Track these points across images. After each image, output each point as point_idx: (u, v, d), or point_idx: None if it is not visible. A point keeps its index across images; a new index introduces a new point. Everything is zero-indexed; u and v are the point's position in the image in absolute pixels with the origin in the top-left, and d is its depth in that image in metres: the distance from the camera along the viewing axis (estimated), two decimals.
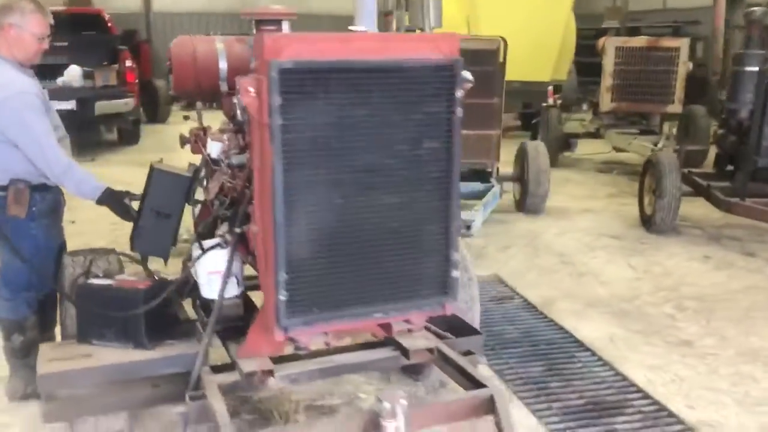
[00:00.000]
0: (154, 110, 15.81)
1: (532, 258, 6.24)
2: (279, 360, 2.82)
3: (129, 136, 12.64)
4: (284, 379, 2.78)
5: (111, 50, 12.10)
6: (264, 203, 2.31)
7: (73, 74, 11.19)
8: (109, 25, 13.45)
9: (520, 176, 7.52)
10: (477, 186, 6.70)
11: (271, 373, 2.67)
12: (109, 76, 11.17)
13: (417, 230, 2.48)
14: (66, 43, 12.67)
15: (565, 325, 4.79)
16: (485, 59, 6.50)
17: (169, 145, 12.35)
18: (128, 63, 11.70)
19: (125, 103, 11.56)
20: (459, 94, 2.42)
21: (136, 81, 11.94)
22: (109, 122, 12.14)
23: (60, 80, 11.35)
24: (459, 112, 2.42)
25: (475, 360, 2.95)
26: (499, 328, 4.74)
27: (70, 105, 11.21)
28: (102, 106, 11.42)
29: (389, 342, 2.87)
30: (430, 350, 2.86)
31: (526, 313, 5.04)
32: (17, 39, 3.22)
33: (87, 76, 11.29)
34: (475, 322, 3.53)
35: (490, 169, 6.88)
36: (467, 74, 2.49)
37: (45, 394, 2.67)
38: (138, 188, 3.30)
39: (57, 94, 11.14)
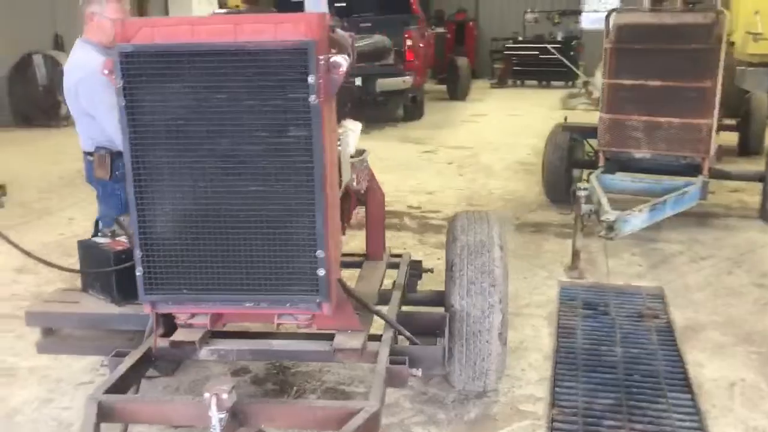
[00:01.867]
0: (454, 88, 16.38)
1: (723, 275, 5.23)
2: (218, 335, 2.91)
3: (411, 112, 13.31)
4: (213, 352, 2.86)
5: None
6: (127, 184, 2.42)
7: None
8: (413, 5, 14.21)
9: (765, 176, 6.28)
10: (676, 183, 5.78)
11: (194, 344, 2.78)
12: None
13: (282, 222, 2.36)
14: (369, 24, 13.80)
15: (691, 359, 3.98)
16: (695, 35, 5.54)
17: (450, 122, 12.85)
18: (409, 43, 12.26)
19: (404, 81, 12.18)
20: (311, 79, 2.22)
21: (416, 60, 12.47)
22: (390, 98, 12.94)
23: None
24: (313, 99, 2.23)
25: (403, 370, 2.69)
26: (605, 348, 4.14)
27: (357, 81, 12.19)
28: (382, 83, 12.20)
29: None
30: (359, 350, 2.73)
31: (654, 337, 4.29)
32: (99, 25, 3.75)
33: None
34: (493, 332, 3.17)
35: (700, 164, 5.87)
36: (338, 58, 2.27)
37: (42, 329, 3.14)
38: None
39: None
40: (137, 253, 2.41)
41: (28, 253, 2.96)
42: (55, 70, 12.76)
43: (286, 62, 2.23)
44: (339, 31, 2.92)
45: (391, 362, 2.72)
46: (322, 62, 2.23)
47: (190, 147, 2.32)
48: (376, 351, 2.79)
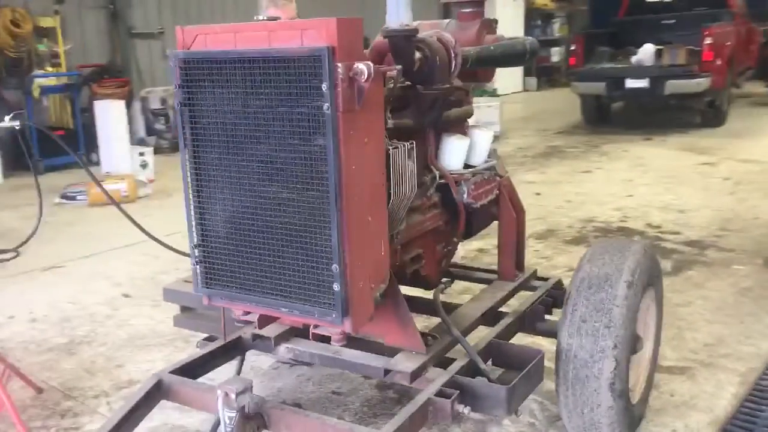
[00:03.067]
0: None
1: None
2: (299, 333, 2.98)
3: (709, 119, 12.00)
4: (290, 351, 2.94)
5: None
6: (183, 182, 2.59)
7: (647, 52, 11.24)
8: (729, 1, 12.81)
9: None
10: None
11: (270, 339, 2.90)
12: (678, 55, 10.79)
13: (305, 232, 2.33)
14: (673, 21, 12.78)
15: None
16: None
17: (755, 132, 11.27)
18: (708, 41, 10.97)
19: (697, 83, 11.01)
20: (325, 87, 2.14)
21: (717, 60, 11.11)
22: (682, 102, 11.80)
23: (634, 59, 11.58)
24: (326, 107, 2.15)
25: (445, 405, 2.47)
26: None
27: (642, 83, 11.38)
28: (672, 86, 11.20)
29: None
30: (413, 374, 2.60)
31: None
32: None
33: (658, 54, 11.18)
34: (602, 380, 2.77)
35: None
36: (361, 65, 2.15)
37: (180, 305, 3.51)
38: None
39: (631, 72, 11.47)
40: (191, 249, 2.56)
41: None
42: None
43: (303, 69, 2.17)
44: (443, 33, 2.76)
45: (439, 394, 2.51)
46: (341, 70, 2.13)
47: (235, 150, 2.39)
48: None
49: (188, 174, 2.52)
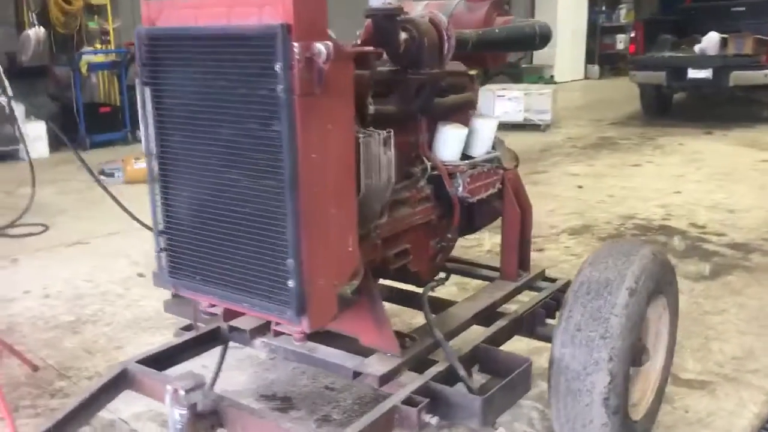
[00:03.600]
0: None
1: None
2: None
3: None
4: (265, 345, 2.82)
5: None
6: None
7: (711, 41, 10.68)
8: None
9: None
10: None
11: (245, 332, 2.79)
12: (744, 45, 10.19)
13: (261, 223, 2.18)
14: (743, 8, 12.17)
15: None
16: None
17: None
18: None
19: (764, 75, 10.41)
20: (278, 68, 1.98)
21: None
22: (748, 94, 11.19)
23: (697, 47, 11.03)
24: (280, 90, 1.99)
25: (411, 414, 2.30)
26: None
27: (705, 73, 10.88)
28: (737, 77, 10.64)
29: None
30: (382, 378, 2.45)
31: None
32: None
33: (723, 43, 10.60)
34: (594, 395, 2.56)
35: None
36: (319, 45, 1.98)
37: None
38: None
39: (693, 61, 10.96)
40: (159, 237, 2.45)
41: None
42: None
43: (257, 49, 2.01)
44: (436, 13, 2.57)
45: (408, 402, 2.34)
46: (297, 50, 1.96)
47: (197, 133, 2.26)
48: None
49: (152, 157, 2.40)
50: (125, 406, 3.15)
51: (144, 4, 2.33)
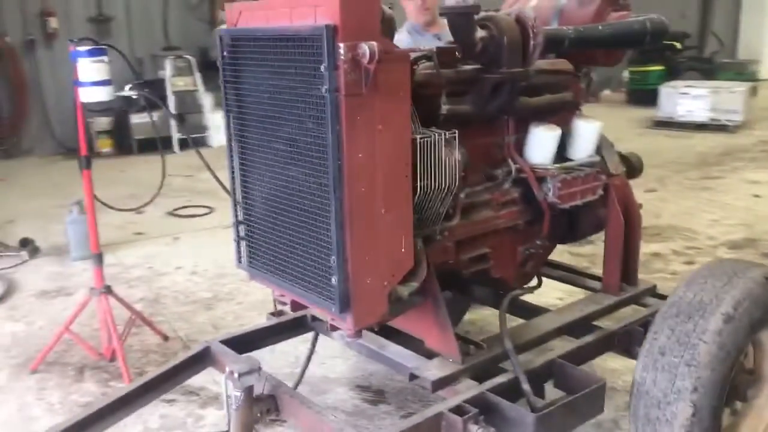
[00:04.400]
0: None
1: None
2: None
3: None
4: (342, 337, 2.89)
5: None
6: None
7: None
8: None
9: None
10: None
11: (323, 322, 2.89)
12: None
13: (313, 220, 2.24)
14: None
15: None
16: None
17: None
18: None
19: None
20: (323, 69, 2.01)
21: None
22: None
23: None
24: (324, 90, 2.02)
25: (456, 422, 2.25)
26: None
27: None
28: None
29: None
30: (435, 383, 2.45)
31: None
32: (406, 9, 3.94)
33: None
34: (674, 426, 2.36)
35: None
36: (364, 46, 1.99)
37: None
38: None
39: None
40: (238, 226, 2.59)
41: None
42: None
43: (307, 49, 2.06)
44: (523, 10, 2.49)
45: (456, 410, 2.29)
46: (342, 50, 1.99)
47: (268, 130, 2.36)
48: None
49: (233, 151, 2.53)
50: None
51: (227, 7, 2.46)
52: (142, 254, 5.67)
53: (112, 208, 4.33)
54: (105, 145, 10.01)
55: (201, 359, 2.77)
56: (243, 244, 2.62)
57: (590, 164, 2.91)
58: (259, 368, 2.38)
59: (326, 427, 2.28)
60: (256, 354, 2.71)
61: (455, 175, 2.38)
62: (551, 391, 2.60)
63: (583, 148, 2.91)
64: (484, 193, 2.70)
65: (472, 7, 2.39)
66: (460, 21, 2.41)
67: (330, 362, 3.80)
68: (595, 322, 2.98)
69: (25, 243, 5.57)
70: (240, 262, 2.63)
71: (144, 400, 2.62)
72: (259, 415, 2.43)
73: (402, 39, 3.83)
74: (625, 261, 3.07)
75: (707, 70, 13.35)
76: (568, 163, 2.82)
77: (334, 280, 2.17)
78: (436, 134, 2.31)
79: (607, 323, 2.97)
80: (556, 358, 2.62)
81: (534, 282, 3.07)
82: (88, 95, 3.37)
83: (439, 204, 2.41)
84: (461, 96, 2.53)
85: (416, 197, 2.30)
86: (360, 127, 2.09)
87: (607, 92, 14.79)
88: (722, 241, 5.64)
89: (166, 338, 4.09)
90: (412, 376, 2.51)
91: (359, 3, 2.03)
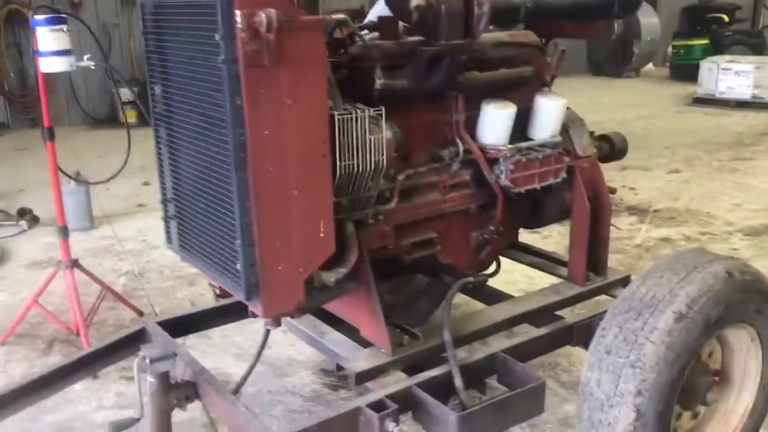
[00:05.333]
0: None
1: None
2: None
3: None
4: (291, 328, 2.78)
5: None
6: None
7: None
8: None
9: None
10: None
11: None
12: None
13: (219, 202, 2.11)
14: None
15: None
16: None
17: None
18: None
19: None
20: (218, 38, 1.86)
21: None
22: None
23: None
24: (221, 61, 1.88)
25: (372, 419, 2.11)
26: None
27: None
28: None
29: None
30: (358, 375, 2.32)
31: None
32: None
33: None
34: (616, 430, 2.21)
35: None
36: (262, 13, 1.84)
37: None
38: None
39: None
40: (164, 204, 2.48)
41: None
42: (630, 21, 12.65)
43: (205, 17, 1.92)
44: None
45: (375, 405, 2.15)
46: (239, 18, 1.84)
47: (182, 103, 2.23)
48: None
49: (159, 127, 2.42)
50: None
51: None
52: (140, 227, 5.63)
53: (75, 180, 4.24)
54: (131, 115, 10.04)
55: (135, 340, 2.68)
56: (172, 223, 2.50)
57: (552, 145, 2.70)
58: (174, 354, 2.28)
59: (238, 419, 2.17)
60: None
61: (382, 155, 2.21)
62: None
63: (545, 127, 2.71)
64: (429, 175, 2.53)
65: None
66: None
67: (300, 345, 3.68)
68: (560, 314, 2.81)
69: (23, 213, 5.60)
70: (169, 242, 2.51)
71: (74, 377, 2.56)
72: (175, 401, 2.33)
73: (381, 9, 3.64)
74: (592, 249, 2.87)
75: (756, 44, 12.68)
76: (522, 144, 2.62)
77: (238, 265, 2.04)
78: (359, 111, 2.14)
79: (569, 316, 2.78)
80: (498, 351, 2.45)
81: (492, 269, 2.89)
82: (48, 65, 3.29)
83: (366, 186, 2.25)
84: (398, 70, 2.35)
85: (336, 178, 2.14)
86: (264, 101, 1.94)
87: (650, 67, 14.26)
88: (740, 227, 5.33)
89: (141, 314, 4.04)
90: (339, 367, 2.38)
91: None
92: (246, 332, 3.74)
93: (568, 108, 2.90)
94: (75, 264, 3.71)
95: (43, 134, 3.48)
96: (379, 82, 2.29)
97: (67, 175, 3.71)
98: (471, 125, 2.60)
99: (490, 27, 2.81)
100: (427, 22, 2.28)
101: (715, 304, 2.25)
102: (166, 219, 2.48)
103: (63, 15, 3.25)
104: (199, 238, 2.29)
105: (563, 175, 2.74)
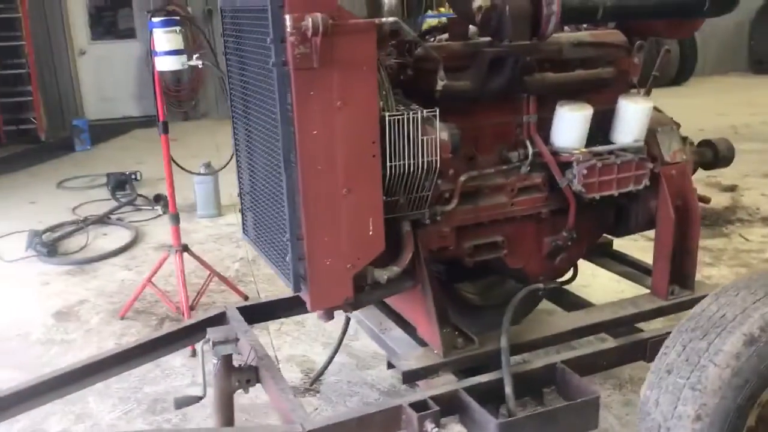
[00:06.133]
0: None
1: None
2: None
3: None
4: (355, 317, 2.86)
5: None
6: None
7: None
8: None
9: None
10: None
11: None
12: None
13: (273, 196, 2.22)
14: None
15: None
16: None
17: None
18: None
19: None
20: (269, 41, 1.95)
21: None
22: None
23: None
24: (271, 64, 1.97)
25: (412, 418, 2.13)
26: None
27: None
28: None
29: None
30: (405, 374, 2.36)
31: None
32: None
33: None
34: None
35: None
36: (310, 18, 1.90)
37: None
38: None
39: None
40: (240, 197, 2.63)
41: None
42: None
43: (259, 21, 2.02)
44: None
45: (417, 405, 2.17)
46: (288, 23, 1.92)
47: (248, 104, 2.36)
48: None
49: (236, 123, 2.56)
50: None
51: None
52: None
53: (186, 170, 4.50)
54: None
55: (216, 322, 2.85)
56: (248, 215, 2.64)
57: (634, 150, 2.57)
58: (237, 339, 2.41)
59: (283, 404, 2.26)
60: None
61: (435, 156, 2.21)
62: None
63: (627, 131, 2.58)
64: (495, 177, 2.50)
65: None
66: None
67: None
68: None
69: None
70: (245, 233, 2.66)
71: (155, 354, 2.76)
72: (237, 383, 2.46)
73: None
74: (678, 261, 2.70)
75: None
76: (599, 147, 2.52)
77: (288, 258, 2.13)
78: (410, 112, 2.15)
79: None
80: (558, 362, 2.38)
81: (569, 275, 2.81)
82: (162, 64, 3.56)
83: (421, 186, 2.26)
84: (462, 71, 2.34)
85: (387, 178, 2.17)
86: (314, 102, 2.01)
87: None
88: None
89: (246, 298, 4.27)
90: (390, 365, 2.41)
91: None
92: (338, 321, 3.85)
93: (659, 111, 2.76)
94: (185, 249, 3.98)
95: (159, 128, 3.75)
96: (441, 84, 2.28)
97: (179, 166, 3.97)
98: (545, 128, 2.53)
99: (582, 26, 2.74)
100: (491, 23, 2.25)
101: None
102: (242, 211, 2.62)
103: (176, 18, 3.50)
104: (263, 230, 2.41)
105: (646, 182, 2.60)
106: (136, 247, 5.36)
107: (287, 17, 1.92)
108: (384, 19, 2.08)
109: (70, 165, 8.31)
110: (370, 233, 2.18)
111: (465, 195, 2.43)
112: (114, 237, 5.62)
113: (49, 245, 5.19)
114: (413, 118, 2.15)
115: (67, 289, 4.62)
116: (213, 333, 2.40)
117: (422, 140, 2.18)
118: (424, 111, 2.17)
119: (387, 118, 2.12)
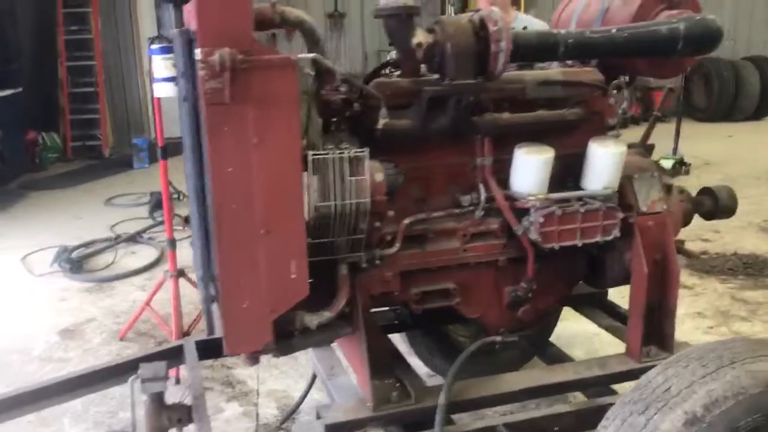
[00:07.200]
0: None
1: None
2: None
3: None
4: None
5: None
6: None
7: None
8: None
9: None
10: None
11: None
12: None
13: (196, 236, 2.15)
14: None
15: None
16: None
17: None
18: None
19: None
20: (178, 73, 1.90)
21: None
22: None
23: None
24: (183, 98, 1.92)
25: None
26: None
27: None
28: None
29: None
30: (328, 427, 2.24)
31: None
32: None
33: None
34: None
35: None
36: (217, 54, 1.84)
37: None
38: None
39: None
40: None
41: None
42: None
43: (179, 55, 1.97)
44: (491, 11, 2.17)
45: None
46: (199, 56, 1.86)
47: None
48: None
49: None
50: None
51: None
52: None
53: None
54: None
55: (172, 355, 2.80)
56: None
57: (603, 197, 2.38)
58: (166, 377, 2.35)
59: None
60: None
61: (365, 197, 2.09)
62: None
63: (596, 177, 2.39)
64: (446, 221, 2.35)
65: (404, 8, 2.08)
66: (393, 24, 2.12)
67: None
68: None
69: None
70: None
71: (110, 382, 2.72)
72: (167, 422, 2.39)
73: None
74: (654, 320, 2.47)
75: None
76: (558, 194, 2.34)
77: (210, 305, 2.06)
78: (336, 151, 2.05)
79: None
80: (500, 425, 2.20)
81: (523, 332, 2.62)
82: (161, 90, 3.58)
83: (355, 228, 2.14)
84: (405, 110, 2.22)
85: (316, 219, 2.07)
86: (227, 138, 1.93)
87: None
88: None
89: None
90: (318, 415, 2.29)
91: (224, 6, 1.87)
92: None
93: (644, 155, 2.56)
94: (180, 274, 3.97)
95: (158, 153, 3.78)
96: (382, 122, 2.17)
97: (177, 191, 3.98)
98: (504, 171, 2.37)
99: (568, 63, 2.58)
100: (433, 60, 2.13)
101: (746, 411, 1.82)
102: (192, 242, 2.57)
103: (171, 45, 3.51)
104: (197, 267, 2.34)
105: (616, 233, 2.39)
106: (157, 268, 5.42)
107: (198, 51, 1.85)
108: (302, 55, 1.99)
109: (124, 182, 8.57)
110: (293, 276, 2.07)
111: (412, 238, 2.30)
112: (141, 256, 5.72)
113: (74, 262, 5.32)
114: (338, 158, 2.05)
115: (80, 307, 4.71)
116: (143, 369, 2.34)
117: (351, 181, 2.07)
118: (353, 150, 2.06)
119: (310, 157, 2.02)
